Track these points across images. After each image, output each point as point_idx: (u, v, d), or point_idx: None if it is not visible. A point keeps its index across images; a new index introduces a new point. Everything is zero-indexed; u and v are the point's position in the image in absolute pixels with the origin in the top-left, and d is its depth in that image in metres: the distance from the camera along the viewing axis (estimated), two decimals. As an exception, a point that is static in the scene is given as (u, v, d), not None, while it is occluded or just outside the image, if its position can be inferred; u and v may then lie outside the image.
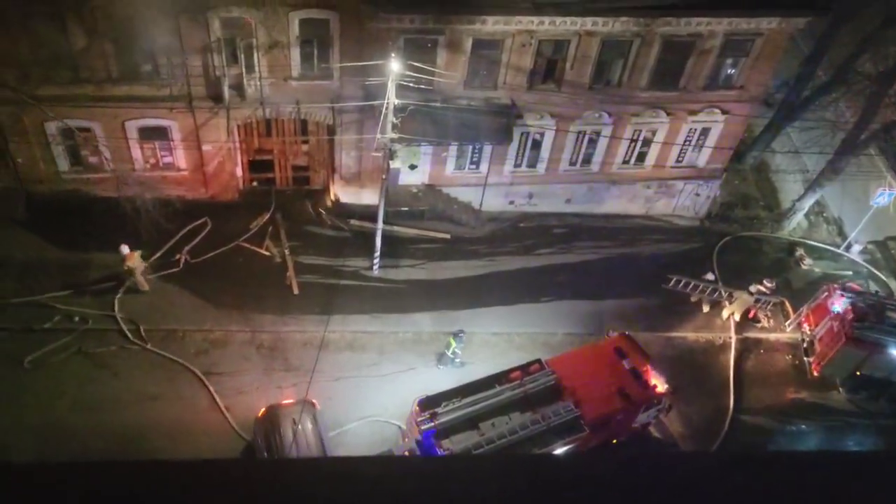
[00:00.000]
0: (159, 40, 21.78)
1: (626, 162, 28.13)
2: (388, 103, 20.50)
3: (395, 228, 26.39)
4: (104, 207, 23.06)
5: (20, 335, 21.05)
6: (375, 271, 24.98)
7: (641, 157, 28.10)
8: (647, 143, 27.55)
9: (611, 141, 26.97)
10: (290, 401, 19.65)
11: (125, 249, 22.43)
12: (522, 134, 26.19)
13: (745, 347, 25.27)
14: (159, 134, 24.35)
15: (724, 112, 26.87)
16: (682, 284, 25.30)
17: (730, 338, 25.25)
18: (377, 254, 24.53)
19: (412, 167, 26.07)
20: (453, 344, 21.97)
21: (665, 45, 24.40)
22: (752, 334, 25.61)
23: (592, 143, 27.10)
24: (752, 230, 30.03)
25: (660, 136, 27.32)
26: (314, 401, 19.66)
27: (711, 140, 27.79)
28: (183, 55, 22.28)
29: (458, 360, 22.20)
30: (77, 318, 21.81)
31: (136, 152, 24.49)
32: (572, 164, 27.63)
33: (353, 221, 26.59)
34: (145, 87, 22.85)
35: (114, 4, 20.44)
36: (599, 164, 27.83)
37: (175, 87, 22.97)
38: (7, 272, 22.68)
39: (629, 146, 27.49)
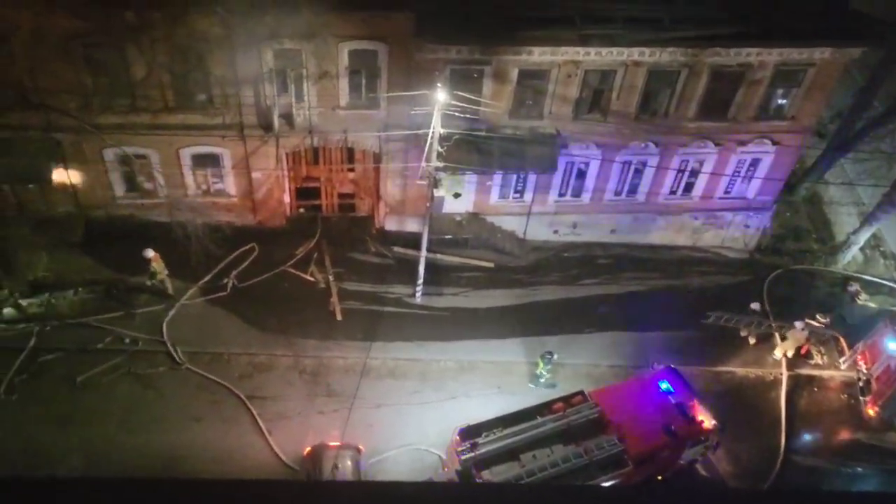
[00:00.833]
0: (215, 71, 22.53)
1: (672, 192, 27.80)
2: (433, 132, 20.71)
3: (439, 256, 26.49)
4: (157, 232, 23.81)
5: (74, 355, 21.65)
6: (418, 299, 25.04)
7: (689, 188, 27.74)
8: (694, 173, 27.21)
9: (657, 171, 26.71)
10: (336, 443, 19.67)
11: (150, 253, 23.18)
12: (567, 163, 26.15)
13: (798, 385, 24.47)
14: (211, 161, 25.03)
15: (774, 143, 26.42)
16: (723, 320, 24.70)
17: (781, 374, 24.50)
18: (420, 281, 24.61)
19: (456, 195, 26.13)
20: (541, 365, 21.98)
21: (714, 75, 24.18)
22: (804, 371, 24.81)
23: (638, 172, 26.88)
24: (804, 264, 29.26)
25: (708, 167, 26.96)
26: (360, 446, 19.63)
27: (761, 171, 27.30)
28: (236, 85, 22.94)
29: (544, 381, 22.18)
30: (127, 340, 22.34)
31: (189, 179, 25.20)
32: (618, 193, 27.42)
33: (396, 248, 26.77)
34: (199, 116, 23.57)
35: (172, 37, 21.21)
36: (645, 194, 27.55)
37: (227, 116, 23.64)
38: (65, 293, 23.41)
39: (676, 176, 27.18)
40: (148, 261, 23.22)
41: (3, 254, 22.72)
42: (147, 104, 22.92)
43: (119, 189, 25.27)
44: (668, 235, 28.99)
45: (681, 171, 27.00)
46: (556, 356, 22.30)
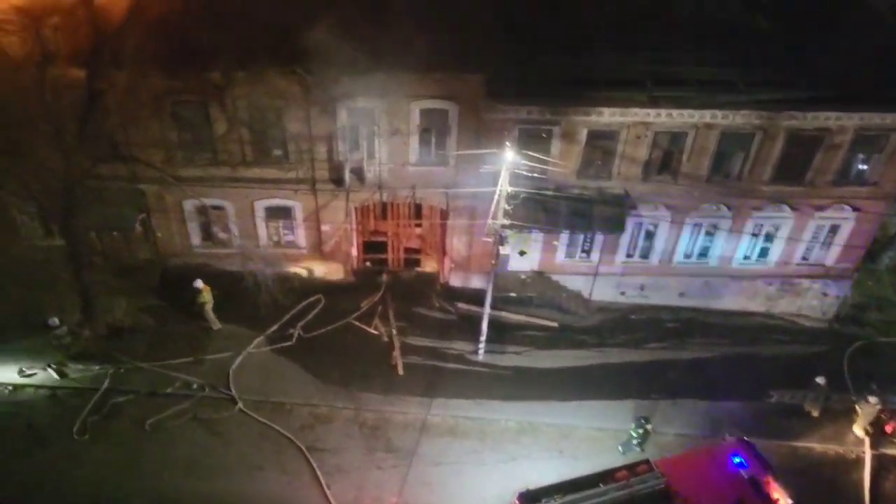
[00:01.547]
0: (291, 128, 23.44)
1: (746, 257, 27.01)
2: (500, 190, 20.84)
3: (503, 314, 26.32)
4: (229, 280, 24.53)
5: (145, 398, 22.24)
6: (480, 356, 24.83)
7: (763, 253, 26.91)
8: (769, 238, 26.42)
9: (730, 235, 26.07)
10: (395, 500, 19.36)
11: (199, 283, 23.97)
12: (636, 224, 25.82)
13: (883, 465, 22.89)
14: (283, 213, 25.80)
15: (855, 209, 25.49)
16: (787, 397, 23.51)
17: (864, 453, 23.04)
18: (483, 338, 24.44)
19: (522, 253, 26.12)
20: (634, 430, 21.55)
21: (790, 138, 23.67)
22: (891, 451, 23.25)
23: (710, 236, 26.29)
24: (889, 335, 27.76)
25: (783, 232, 26.15)
26: None
27: (841, 238, 26.31)
28: (311, 141, 23.76)
29: (636, 445, 21.63)
30: (195, 385, 22.83)
31: (262, 230, 26.01)
32: (687, 256, 26.81)
33: (460, 305, 26.75)
34: (275, 170, 24.43)
35: (252, 95, 22.23)
36: (717, 258, 26.86)
37: (301, 171, 24.43)
38: (139, 338, 24.23)
39: (750, 241, 26.44)
40: (198, 291, 24.07)
41: (85, 297, 23.76)
42: (226, 158, 23.95)
43: (196, 238, 26.25)
44: (741, 301, 28.06)
45: (755, 235, 26.27)
46: (650, 425, 21.61)
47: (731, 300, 27.96)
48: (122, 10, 21.23)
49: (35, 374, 22.64)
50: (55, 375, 22.61)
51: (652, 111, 22.97)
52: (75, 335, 23.72)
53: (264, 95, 22.24)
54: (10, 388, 22.36)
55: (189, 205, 25.20)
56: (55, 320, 23.59)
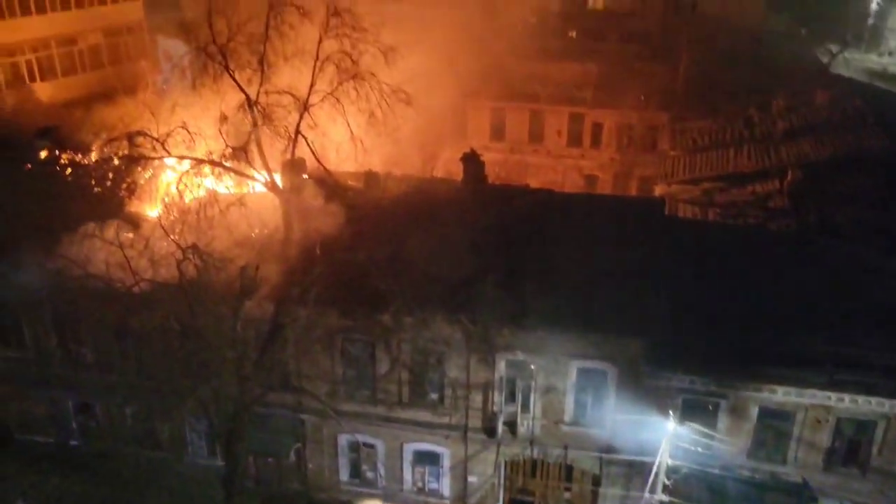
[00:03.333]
0: (450, 373, 23.97)
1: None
2: (660, 462, 19.51)
3: None
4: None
5: None
6: None
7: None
8: None
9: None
10: None
11: None
12: (817, 519, 22.72)
13: None
14: (431, 459, 25.50)
15: None
16: None
17: None
18: None
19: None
20: None
21: None
22: None
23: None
24: None
25: None
26: None
27: None
28: (467, 389, 24.03)
29: None
30: None
31: (408, 474, 25.70)
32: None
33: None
34: (428, 414, 24.67)
35: (417, 339, 23.28)
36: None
37: (454, 417, 24.47)
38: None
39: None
40: None
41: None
42: (384, 397, 24.65)
43: (344, 474, 26.36)
44: None
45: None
46: None
47: None
48: (313, 253, 23.82)
49: None
50: None
51: (833, 394, 21.18)
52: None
53: (428, 340, 23.22)
54: None
55: (343, 439, 25.73)
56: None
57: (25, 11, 37.14)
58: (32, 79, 38.21)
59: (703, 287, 23.84)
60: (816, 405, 21.45)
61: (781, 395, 21.58)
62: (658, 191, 36.92)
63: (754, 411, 22.04)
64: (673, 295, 23.01)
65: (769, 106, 40.58)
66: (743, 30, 54.65)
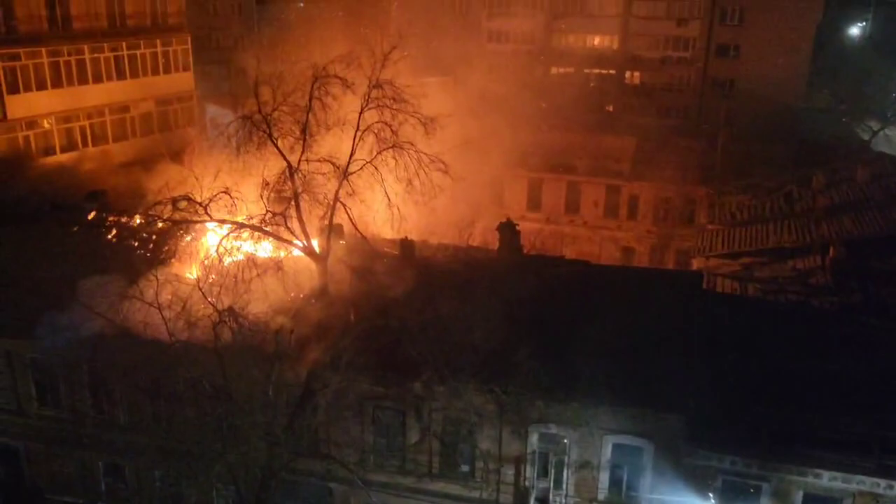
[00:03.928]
0: (481, 445, 23.43)
1: None
2: (699, 547, 18.63)
3: None
4: None
5: None
6: None
7: None
8: None
9: None
10: None
11: None
12: None
13: None
14: (460, 534, 24.73)
15: None
16: None
17: None
18: None
19: None
20: None
21: None
22: None
23: None
24: None
25: None
26: None
27: None
28: (499, 462, 23.43)
29: None
30: None
31: (437, 550, 24.90)
32: None
33: None
34: (458, 486, 24.01)
35: (449, 409, 22.92)
36: None
37: (486, 491, 23.76)
38: None
39: None
40: None
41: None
42: (413, 468, 24.13)
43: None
44: None
45: None
46: None
47: None
48: (347, 319, 23.86)
49: None
50: None
51: (882, 481, 20.14)
52: None
53: (460, 410, 22.84)
54: None
55: (370, 511, 25.16)
56: None
57: (82, 81, 38.99)
58: (85, 144, 39.80)
59: (743, 364, 23.20)
60: (865, 492, 20.39)
61: (827, 480, 20.60)
62: (696, 264, 36.51)
63: (798, 496, 21.03)
64: (713, 371, 22.43)
65: (809, 181, 40.30)
66: (782, 106, 54.86)
